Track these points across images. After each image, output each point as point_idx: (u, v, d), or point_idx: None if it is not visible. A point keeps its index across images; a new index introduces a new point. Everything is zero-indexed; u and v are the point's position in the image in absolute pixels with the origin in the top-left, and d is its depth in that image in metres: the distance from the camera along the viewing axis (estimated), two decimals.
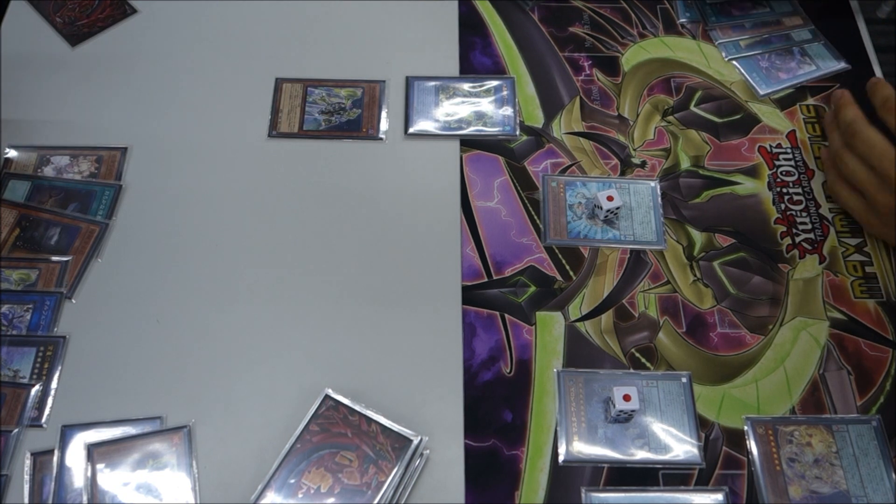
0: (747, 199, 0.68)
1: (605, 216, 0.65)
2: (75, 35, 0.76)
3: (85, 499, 0.52)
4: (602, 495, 0.54)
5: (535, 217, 0.66)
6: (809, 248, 0.65)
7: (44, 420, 0.56)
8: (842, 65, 0.75)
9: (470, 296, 0.62)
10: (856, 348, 0.60)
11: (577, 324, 0.61)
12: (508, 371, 0.59)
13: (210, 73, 0.74)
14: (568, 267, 0.64)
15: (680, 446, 0.56)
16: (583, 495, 0.54)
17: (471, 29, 0.78)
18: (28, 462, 0.54)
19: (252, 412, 0.56)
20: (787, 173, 0.69)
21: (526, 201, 0.67)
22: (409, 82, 0.73)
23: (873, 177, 0.61)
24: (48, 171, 0.67)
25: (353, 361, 0.59)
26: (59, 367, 0.58)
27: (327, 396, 0.56)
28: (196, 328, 0.60)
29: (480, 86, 0.73)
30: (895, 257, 0.65)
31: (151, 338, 0.59)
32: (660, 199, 0.67)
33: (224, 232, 0.65)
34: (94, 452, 0.54)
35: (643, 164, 0.69)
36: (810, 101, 0.73)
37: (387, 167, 0.68)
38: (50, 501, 0.53)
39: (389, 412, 0.56)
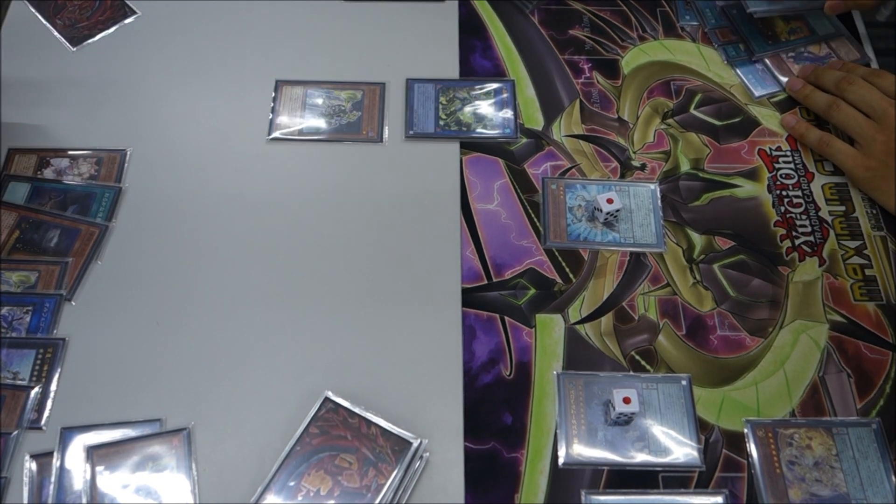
0: (747, 202, 0.68)
1: (605, 219, 0.65)
2: (76, 37, 0.76)
3: (84, 501, 0.52)
4: (602, 498, 0.54)
5: (535, 219, 0.66)
6: (809, 250, 0.65)
7: (43, 422, 0.56)
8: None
9: (470, 298, 0.62)
10: (856, 351, 0.60)
11: (577, 326, 0.61)
12: (508, 373, 0.59)
13: (210, 75, 0.74)
14: (568, 269, 0.64)
15: (680, 449, 0.56)
16: (583, 498, 0.54)
17: (471, 32, 0.78)
18: (27, 464, 0.54)
19: (252, 414, 0.56)
20: (787, 176, 0.69)
21: (526, 204, 0.67)
22: (410, 84, 0.73)
23: (870, 121, 0.67)
24: (48, 173, 0.67)
25: (353, 364, 0.59)
26: (59, 370, 0.58)
27: (327, 399, 0.56)
28: (196, 330, 0.60)
29: (480, 88, 0.73)
30: (895, 260, 0.65)
31: (151, 340, 0.59)
32: (660, 201, 0.67)
33: (224, 234, 0.65)
34: (94, 454, 0.54)
35: (643, 167, 0.69)
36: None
37: (387, 169, 0.68)
38: (49, 503, 0.53)
39: (389, 415, 0.56)
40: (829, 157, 0.69)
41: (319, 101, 0.72)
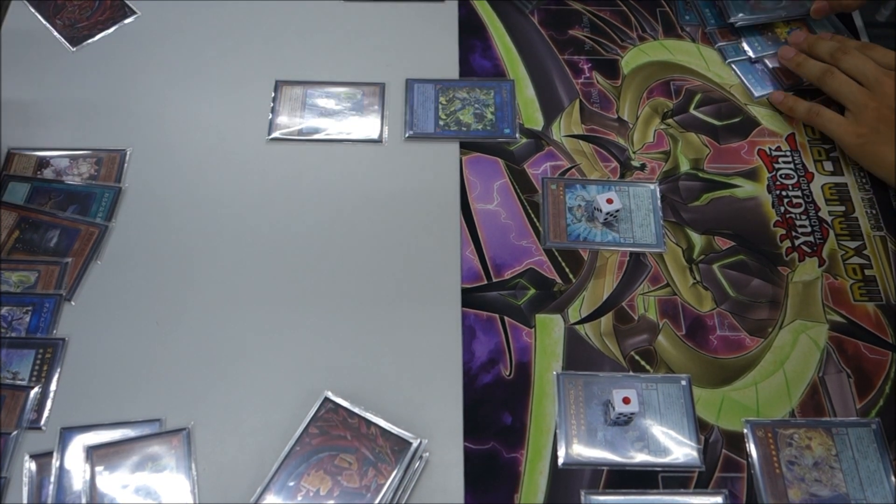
0: (747, 202, 0.68)
1: (605, 219, 0.65)
2: (76, 37, 0.76)
3: (84, 501, 0.52)
4: (601, 498, 0.54)
5: (535, 219, 0.66)
6: (809, 250, 0.65)
7: (43, 422, 0.56)
8: None
9: (469, 298, 0.62)
10: (855, 351, 0.60)
11: (577, 326, 0.61)
12: (508, 374, 0.59)
13: (210, 75, 0.74)
14: (567, 269, 0.64)
15: (679, 449, 0.56)
16: (582, 498, 0.54)
17: (470, 32, 0.78)
18: (27, 464, 0.54)
19: (251, 414, 0.56)
20: (787, 176, 0.69)
21: (525, 204, 0.67)
22: (409, 85, 0.73)
23: (863, 89, 0.67)
24: (48, 173, 0.67)
25: (353, 364, 0.59)
26: (59, 370, 0.58)
27: (327, 399, 0.56)
28: (195, 330, 0.60)
29: (480, 88, 0.73)
30: (895, 260, 0.65)
31: (151, 340, 0.59)
32: (659, 201, 0.67)
33: (223, 234, 0.65)
34: (94, 455, 0.54)
35: (643, 167, 0.69)
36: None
37: (386, 170, 0.68)
38: (49, 503, 0.53)
39: (389, 415, 0.56)
40: (820, 127, 0.70)
41: (319, 100, 0.72)
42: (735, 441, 0.56)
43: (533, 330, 0.61)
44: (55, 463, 0.54)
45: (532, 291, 0.63)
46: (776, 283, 0.63)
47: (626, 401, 0.55)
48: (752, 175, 0.69)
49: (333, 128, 0.71)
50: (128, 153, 0.69)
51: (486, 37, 0.78)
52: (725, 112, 0.73)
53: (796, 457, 0.55)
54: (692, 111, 0.73)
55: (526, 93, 0.74)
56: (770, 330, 0.61)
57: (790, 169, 0.70)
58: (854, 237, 0.66)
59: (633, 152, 0.70)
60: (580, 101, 0.73)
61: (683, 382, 0.58)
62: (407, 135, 0.70)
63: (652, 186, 0.68)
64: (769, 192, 0.68)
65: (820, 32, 0.77)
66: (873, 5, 0.78)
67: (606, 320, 0.61)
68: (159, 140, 0.70)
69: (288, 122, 0.71)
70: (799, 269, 0.64)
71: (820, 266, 0.64)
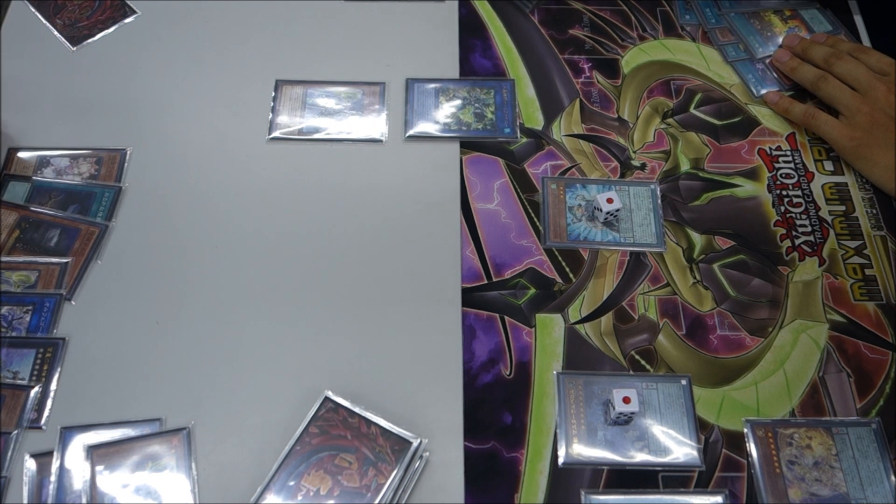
0: (747, 202, 0.68)
1: (605, 218, 0.65)
2: (75, 37, 0.76)
3: (84, 500, 0.52)
4: (601, 498, 0.54)
5: (535, 219, 0.66)
6: (809, 250, 0.65)
7: (43, 422, 0.56)
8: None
9: (470, 298, 0.62)
10: (855, 351, 0.60)
11: (577, 326, 0.61)
12: (508, 373, 0.59)
13: (210, 74, 0.74)
14: (568, 269, 0.64)
15: (680, 449, 0.56)
16: (582, 498, 0.54)
17: (471, 31, 0.78)
18: (27, 464, 0.54)
19: (251, 414, 0.56)
20: (787, 176, 0.69)
21: (526, 203, 0.67)
22: (409, 84, 0.73)
23: (856, 93, 0.69)
24: (48, 172, 0.67)
25: (353, 363, 0.59)
26: (59, 369, 0.58)
27: (327, 398, 0.56)
28: (196, 330, 0.60)
29: (480, 88, 0.73)
30: (895, 260, 0.65)
31: (151, 339, 0.59)
32: (659, 201, 0.67)
33: (223, 234, 0.65)
34: (94, 454, 0.54)
35: (643, 167, 0.69)
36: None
37: (386, 169, 0.68)
38: (49, 503, 0.53)
39: (389, 414, 0.56)
40: (815, 129, 0.70)
41: (319, 100, 0.72)
42: (735, 441, 0.56)
43: (533, 329, 0.61)
44: (55, 462, 0.54)
45: (532, 291, 0.63)
46: (776, 283, 0.63)
47: (626, 400, 0.55)
48: (752, 175, 0.69)
49: (334, 127, 0.71)
50: (128, 153, 0.69)
51: (487, 36, 0.78)
52: (726, 111, 0.73)
53: (796, 456, 0.55)
54: (692, 111, 0.73)
55: (526, 92, 0.74)
56: (770, 329, 0.61)
57: (790, 168, 0.69)
58: (854, 237, 0.66)
59: (634, 152, 0.70)
60: (580, 100, 0.73)
61: (683, 382, 0.58)
62: (407, 135, 0.70)
63: (652, 186, 0.68)
64: (769, 191, 0.68)
65: (817, 31, 0.77)
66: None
67: (606, 320, 0.61)
68: (159, 140, 0.70)
69: (288, 121, 0.71)
70: (799, 268, 0.64)
71: (820, 266, 0.64)
